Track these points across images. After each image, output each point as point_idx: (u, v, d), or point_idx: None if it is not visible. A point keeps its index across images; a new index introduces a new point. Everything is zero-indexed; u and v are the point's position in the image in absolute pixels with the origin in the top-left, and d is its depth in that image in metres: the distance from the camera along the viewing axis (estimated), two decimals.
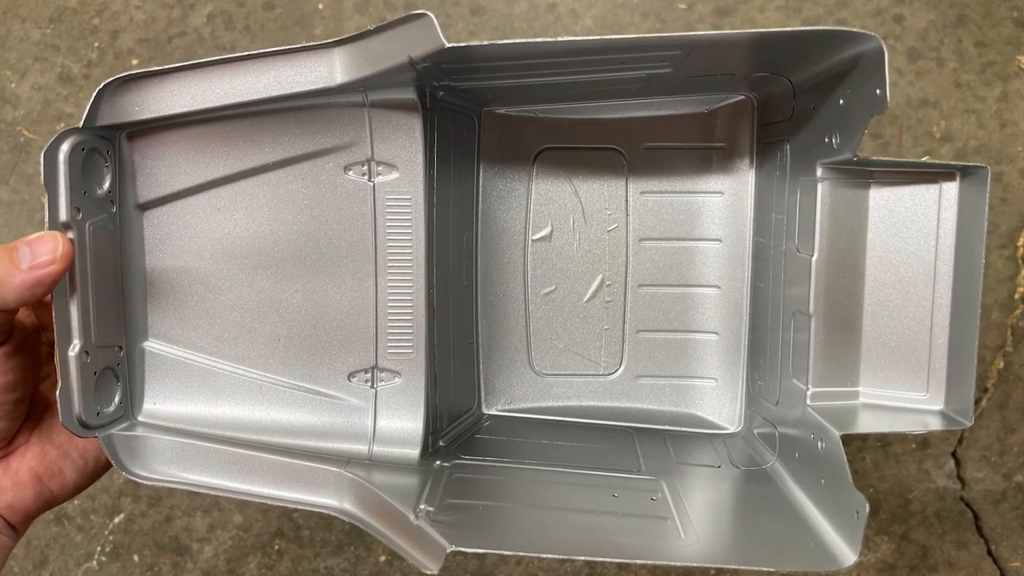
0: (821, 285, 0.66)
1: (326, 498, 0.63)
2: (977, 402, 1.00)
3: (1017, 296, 0.98)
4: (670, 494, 0.68)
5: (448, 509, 0.62)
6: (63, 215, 0.56)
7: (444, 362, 0.77)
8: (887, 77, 0.55)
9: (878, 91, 0.56)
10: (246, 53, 0.61)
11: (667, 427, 0.84)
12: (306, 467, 0.64)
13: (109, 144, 0.62)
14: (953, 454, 1.02)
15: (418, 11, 0.57)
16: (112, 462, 0.61)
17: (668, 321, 0.85)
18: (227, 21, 1.00)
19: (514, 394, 0.86)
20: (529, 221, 0.84)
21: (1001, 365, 0.99)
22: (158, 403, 0.67)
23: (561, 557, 0.58)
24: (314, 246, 0.69)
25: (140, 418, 0.66)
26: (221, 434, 0.67)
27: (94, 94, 0.59)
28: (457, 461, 0.72)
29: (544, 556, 0.58)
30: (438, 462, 0.71)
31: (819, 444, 0.64)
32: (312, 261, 0.69)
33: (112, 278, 0.63)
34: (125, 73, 0.60)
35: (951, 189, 0.64)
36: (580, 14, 0.98)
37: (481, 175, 0.83)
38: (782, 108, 0.74)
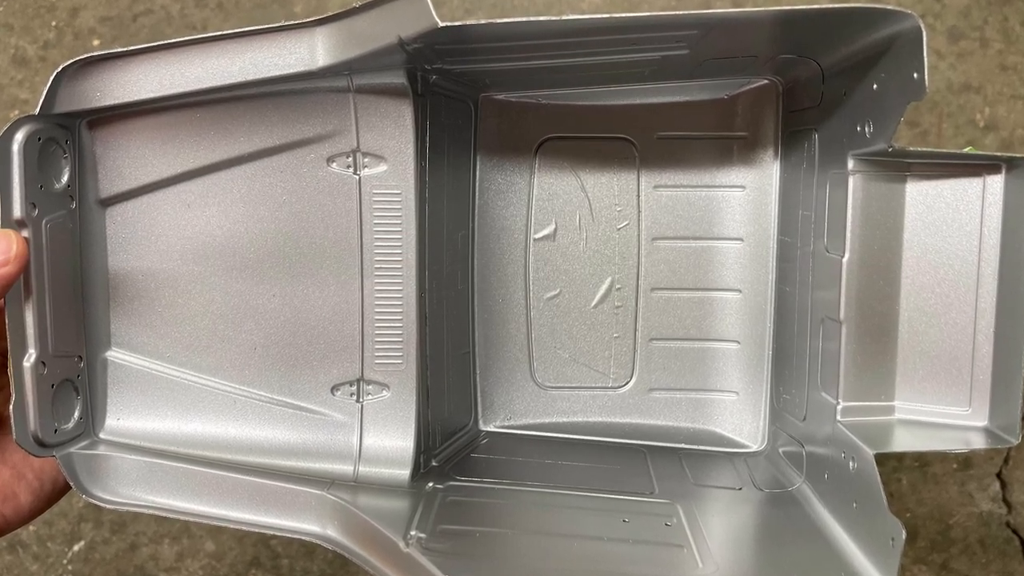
0: (853, 289, 0.66)
1: (307, 523, 0.63)
2: None
3: None
4: (686, 519, 0.68)
5: (441, 536, 0.62)
6: (17, 212, 0.56)
7: (437, 374, 0.77)
8: (925, 60, 0.55)
9: (915, 75, 0.56)
10: (219, 33, 0.61)
11: (683, 445, 0.84)
12: (285, 489, 0.64)
13: (68, 133, 0.62)
14: (998, 475, 1.02)
15: None
16: (71, 484, 0.61)
17: (684, 328, 0.85)
18: None
19: (514, 409, 0.86)
20: (531, 218, 0.84)
21: None
22: (122, 419, 0.67)
23: None
24: (294, 246, 0.69)
25: (102, 435, 0.66)
26: (192, 453, 0.67)
27: (51, 78, 0.59)
28: (451, 483, 0.72)
29: None
30: (430, 484, 0.71)
31: (851, 464, 0.64)
32: (292, 262, 0.69)
33: (71, 281, 0.63)
34: (85, 55, 0.60)
35: (996, 183, 0.64)
36: None
37: (478, 168, 0.83)
38: (810, 94, 0.74)
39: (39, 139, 0.58)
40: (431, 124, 0.73)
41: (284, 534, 0.63)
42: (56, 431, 0.61)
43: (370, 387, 0.71)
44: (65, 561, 1.06)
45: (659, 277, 0.84)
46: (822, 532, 0.66)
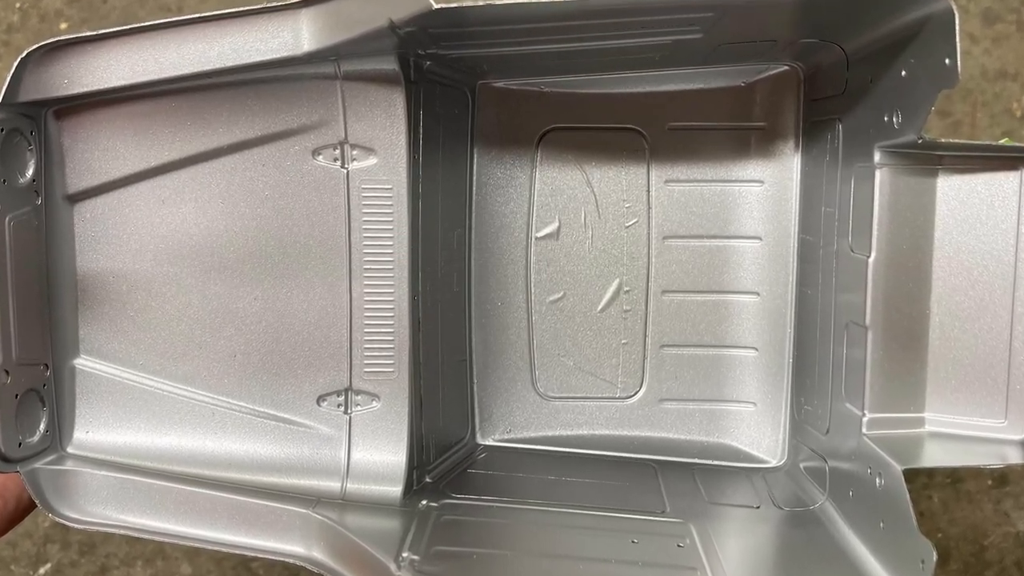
0: (879, 291, 0.66)
1: (291, 544, 0.63)
2: None
3: None
4: (700, 540, 0.68)
5: (436, 558, 0.62)
6: None
7: (431, 383, 0.77)
8: (958, 44, 0.55)
9: (947, 61, 0.56)
10: (196, 15, 0.61)
11: (696, 460, 0.84)
12: (267, 508, 0.64)
13: (33, 124, 0.62)
14: None
15: None
16: (37, 502, 0.61)
17: (697, 334, 0.85)
18: None
19: (514, 421, 0.86)
20: (532, 215, 0.84)
21: None
22: (91, 432, 0.67)
23: None
24: (277, 245, 0.69)
25: (70, 449, 0.66)
26: (166, 468, 0.67)
27: (15, 64, 0.59)
28: (447, 501, 0.72)
29: None
30: (424, 502, 0.71)
31: (877, 480, 0.64)
32: (274, 263, 0.69)
33: (37, 283, 0.63)
34: (52, 39, 0.60)
35: None
36: None
37: (475, 161, 0.83)
38: (833, 81, 0.74)
39: (2, 130, 0.58)
40: (425, 114, 0.73)
41: (266, 556, 0.63)
42: (20, 445, 0.61)
43: (359, 397, 0.71)
44: None
45: (671, 279, 0.84)
46: (846, 554, 0.66)
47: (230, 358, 0.70)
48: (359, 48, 0.63)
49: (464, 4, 0.56)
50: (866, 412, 0.67)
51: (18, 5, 1.01)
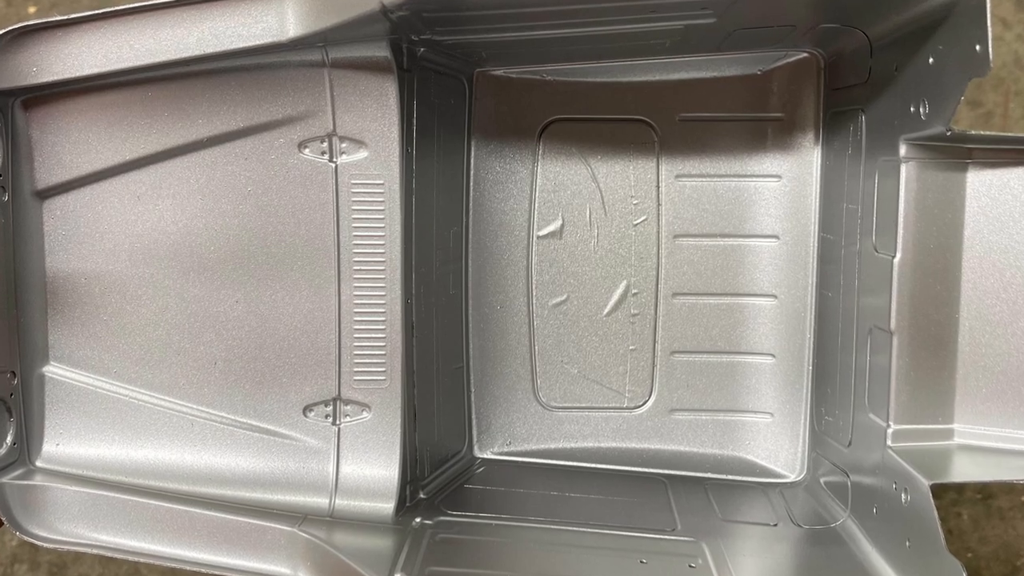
0: (905, 294, 0.66)
1: (275, 564, 0.63)
2: None
3: None
4: (713, 560, 0.68)
5: None
6: None
7: (426, 392, 0.77)
8: (989, 29, 0.55)
9: (978, 47, 0.56)
10: None
11: (709, 475, 0.84)
12: (250, 525, 0.64)
13: (0, 114, 0.62)
14: None
15: None
16: (3, 519, 0.61)
17: (711, 340, 0.85)
18: None
19: (514, 433, 0.86)
20: (534, 213, 0.84)
21: None
22: (62, 444, 0.67)
23: None
24: (260, 245, 0.69)
25: (39, 463, 0.66)
26: (142, 484, 0.67)
27: None
28: (442, 518, 0.72)
29: None
30: (418, 519, 0.71)
31: (903, 496, 0.64)
32: (258, 264, 0.69)
33: (3, 285, 0.63)
34: (20, 24, 0.60)
35: None
36: None
37: (473, 154, 0.83)
38: (856, 69, 0.74)
39: None
40: (419, 104, 0.73)
41: None
42: None
43: (348, 408, 0.71)
44: None
45: (682, 280, 0.84)
46: (869, 574, 0.66)
47: (210, 365, 0.70)
48: (348, 34, 0.63)
49: None
50: (891, 423, 0.67)
51: None
